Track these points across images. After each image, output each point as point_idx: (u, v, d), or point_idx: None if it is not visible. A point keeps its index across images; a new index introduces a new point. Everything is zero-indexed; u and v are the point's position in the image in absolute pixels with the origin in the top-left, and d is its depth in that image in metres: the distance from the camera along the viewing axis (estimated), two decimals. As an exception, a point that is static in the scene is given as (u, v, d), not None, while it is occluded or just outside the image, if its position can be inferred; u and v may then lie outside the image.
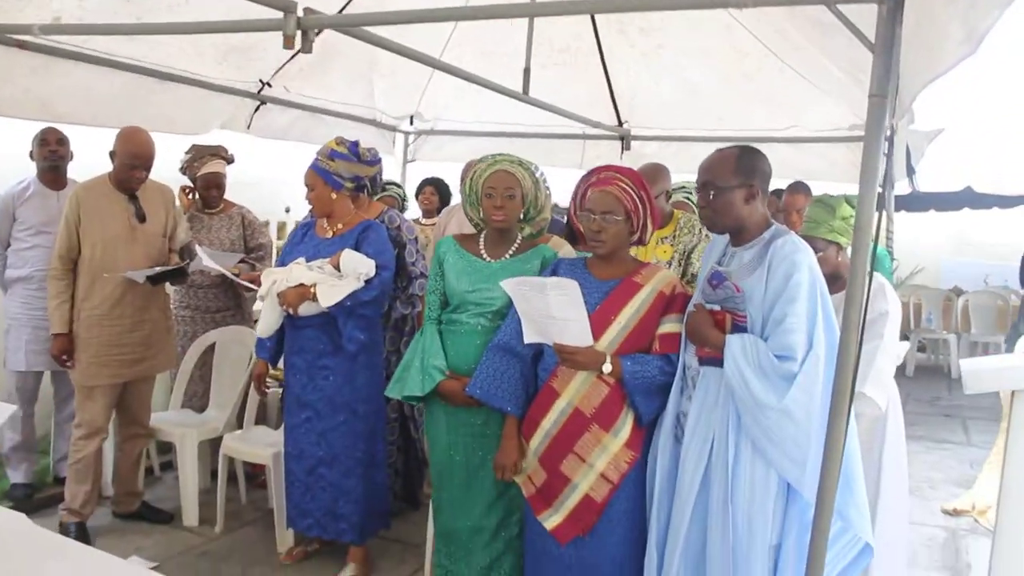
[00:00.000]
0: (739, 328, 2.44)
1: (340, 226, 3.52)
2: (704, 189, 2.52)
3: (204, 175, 4.51)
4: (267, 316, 3.43)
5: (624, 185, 2.67)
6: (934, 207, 10.25)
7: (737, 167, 2.47)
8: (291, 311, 3.37)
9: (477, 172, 3.04)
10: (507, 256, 3.07)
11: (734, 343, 2.38)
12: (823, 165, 5.56)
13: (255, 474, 4.54)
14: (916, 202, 9.40)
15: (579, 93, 5.75)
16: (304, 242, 3.60)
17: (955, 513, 4.79)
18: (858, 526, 2.39)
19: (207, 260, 3.85)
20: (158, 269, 3.80)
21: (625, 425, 2.64)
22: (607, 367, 2.60)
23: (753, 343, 2.36)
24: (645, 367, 2.62)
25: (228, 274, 3.87)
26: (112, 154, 3.78)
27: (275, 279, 3.36)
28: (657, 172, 3.49)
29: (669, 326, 2.68)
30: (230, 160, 4.67)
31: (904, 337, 9.33)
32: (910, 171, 4.83)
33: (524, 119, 5.99)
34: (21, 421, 4.18)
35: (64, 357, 3.77)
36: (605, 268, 2.75)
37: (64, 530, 3.83)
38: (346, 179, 3.48)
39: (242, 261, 4.53)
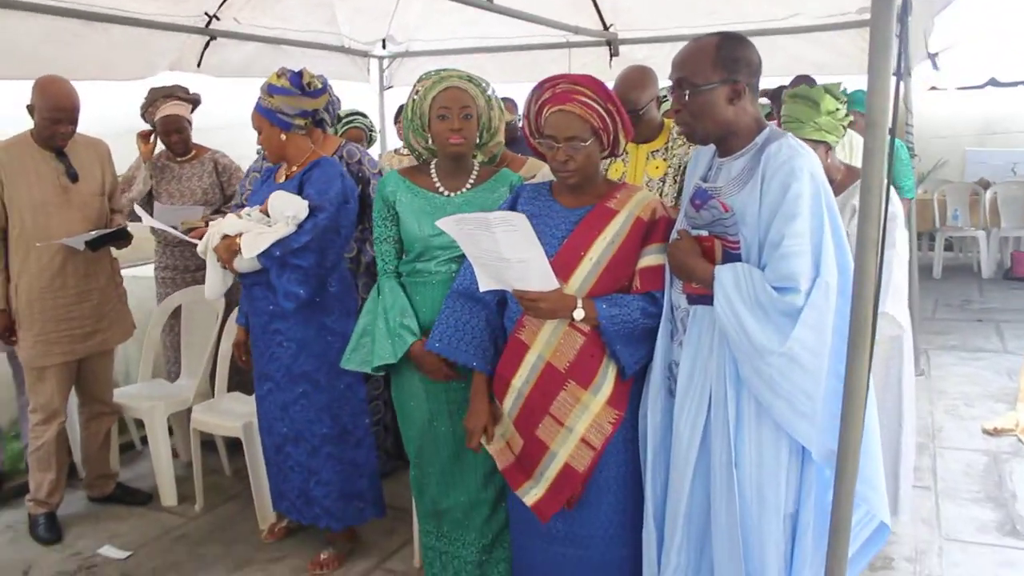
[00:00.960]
0: (732, 257, 2.02)
1: (294, 168, 3.11)
2: (679, 88, 2.06)
3: (161, 119, 4.04)
4: (210, 276, 3.05)
5: (585, 100, 2.23)
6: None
7: (717, 59, 2.01)
8: (228, 267, 3.00)
9: (422, 92, 2.61)
10: (467, 187, 2.66)
11: (725, 275, 1.97)
12: (830, 56, 5.07)
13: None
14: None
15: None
16: (261, 189, 3.20)
17: (996, 433, 4.31)
18: (873, 503, 2.02)
19: (148, 219, 3.46)
20: (95, 233, 3.40)
21: (606, 380, 2.24)
22: (578, 313, 2.18)
23: (747, 274, 1.95)
24: (625, 309, 2.20)
25: (176, 233, 3.48)
26: (30, 108, 3.37)
27: (210, 232, 2.98)
28: (643, 77, 3.02)
29: (651, 258, 2.25)
30: (193, 101, 4.17)
31: (930, 236, 8.87)
32: (931, 56, 4.31)
33: (503, 31, 5.56)
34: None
35: (8, 334, 3.45)
36: (573, 194, 2.33)
37: (33, 523, 3.56)
38: (292, 116, 3.05)
39: (217, 211, 4.12)
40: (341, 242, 3.04)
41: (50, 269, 3.39)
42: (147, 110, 4.11)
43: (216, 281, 3.06)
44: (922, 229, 8.36)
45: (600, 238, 2.25)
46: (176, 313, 4.12)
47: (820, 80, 4.56)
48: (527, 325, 2.29)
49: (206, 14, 4.71)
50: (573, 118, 2.21)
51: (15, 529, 3.65)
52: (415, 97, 2.63)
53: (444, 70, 2.64)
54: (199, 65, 4.87)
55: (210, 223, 3.09)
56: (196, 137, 4.24)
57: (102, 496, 3.84)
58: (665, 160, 3.05)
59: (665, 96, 3.23)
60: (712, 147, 2.18)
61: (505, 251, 2.08)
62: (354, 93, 5.71)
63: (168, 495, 3.81)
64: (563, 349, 2.25)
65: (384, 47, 6.19)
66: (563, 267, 2.22)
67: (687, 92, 2.04)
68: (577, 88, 2.25)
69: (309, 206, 2.92)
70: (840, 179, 2.95)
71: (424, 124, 2.63)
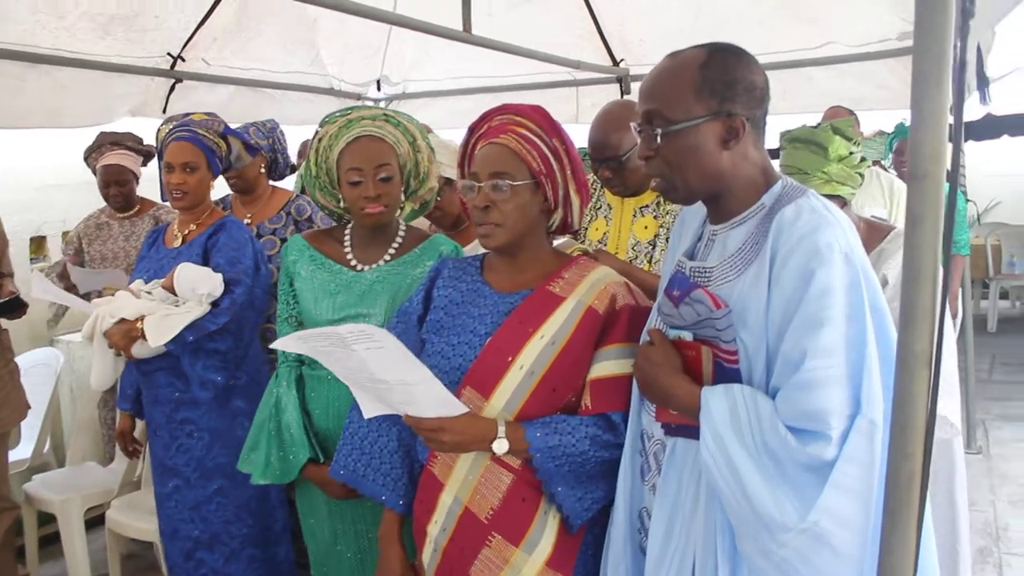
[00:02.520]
0: (727, 374, 1.41)
1: (193, 227, 2.65)
2: (647, 124, 1.47)
3: (102, 168, 3.60)
4: (98, 363, 2.56)
5: (524, 132, 1.69)
6: (1007, 132, 8.89)
7: (703, 82, 1.42)
8: (125, 354, 2.51)
9: (326, 142, 2.10)
10: (385, 260, 2.15)
11: (716, 405, 1.37)
12: (868, 89, 4.47)
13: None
14: (987, 129, 8.08)
15: (558, 32, 4.80)
16: (149, 256, 2.73)
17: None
18: None
19: (39, 288, 2.98)
20: None
21: (544, 533, 1.65)
22: (500, 445, 1.60)
23: (751, 404, 1.35)
24: (568, 438, 1.61)
25: (71, 303, 2.98)
26: None
27: (99, 313, 2.49)
28: (625, 114, 2.45)
29: (607, 365, 1.67)
30: (144, 153, 3.75)
31: (983, 284, 8.11)
32: (982, 83, 3.66)
33: (506, 69, 5.07)
34: None
35: None
36: (507, 272, 1.77)
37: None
38: (225, 165, 2.64)
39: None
40: (256, 317, 2.56)
41: None
42: (90, 155, 3.69)
43: (106, 370, 2.58)
44: (974, 277, 7.60)
45: (536, 337, 1.66)
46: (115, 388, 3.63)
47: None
48: (440, 456, 1.72)
49: (169, 55, 4.30)
50: (504, 152, 1.68)
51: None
52: (317, 146, 2.12)
53: (351, 110, 2.13)
54: (164, 110, 4.45)
55: (94, 301, 2.60)
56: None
57: (9, 605, 3.33)
58: (656, 219, 2.50)
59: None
60: (700, 208, 1.59)
61: (379, 372, 1.52)
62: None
63: (84, 602, 3.30)
64: (484, 491, 1.66)
65: (379, 89, 5.76)
66: (485, 376, 1.66)
67: (659, 131, 1.44)
68: (516, 119, 1.72)
69: (223, 280, 2.43)
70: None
71: (332, 182, 2.12)
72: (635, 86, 5.15)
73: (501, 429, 1.61)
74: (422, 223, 2.65)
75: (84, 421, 3.65)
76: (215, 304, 2.44)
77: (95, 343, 2.52)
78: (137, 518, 3.11)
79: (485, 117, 1.78)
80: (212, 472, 2.57)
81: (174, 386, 2.55)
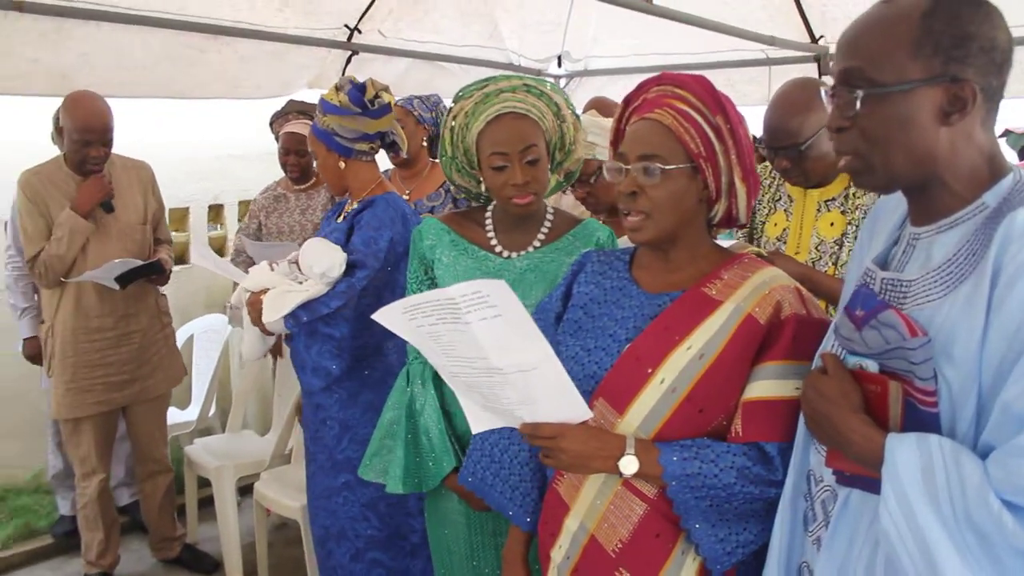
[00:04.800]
0: (922, 419, 1.09)
1: (355, 205, 2.52)
2: (845, 87, 1.15)
3: (284, 135, 3.63)
4: (247, 334, 2.51)
5: (683, 106, 1.42)
6: None
7: (925, 34, 1.10)
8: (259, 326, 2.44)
9: (462, 119, 1.89)
10: (534, 246, 1.94)
11: (906, 458, 1.05)
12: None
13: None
14: None
15: (752, 3, 4.40)
16: (323, 228, 2.65)
17: None
18: None
19: (196, 255, 2.99)
20: (119, 263, 2.97)
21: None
22: (629, 464, 1.36)
23: (952, 463, 1.03)
24: (711, 466, 1.35)
25: (229, 275, 2.99)
26: (60, 130, 3.03)
27: (244, 284, 2.44)
28: (807, 95, 2.11)
29: (765, 386, 1.38)
30: None
31: None
32: None
33: (693, 45, 4.74)
34: (60, 446, 3.62)
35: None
36: (658, 270, 1.52)
37: (85, 584, 3.22)
38: (352, 140, 2.48)
39: None
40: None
41: (83, 308, 3.03)
42: (275, 121, 3.72)
43: (254, 341, 2.51)
44: None
45: (682, 347, 1.40)
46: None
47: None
48: (567, 474, 1.49)
49: (346, 26, 4.28)
50: (657, 129, 1.42)
51: (76, 582, 3.33)
52: (453, 125, 1.91)
53: (487, 81, 1.90)
54: (343, 82, 4.46)
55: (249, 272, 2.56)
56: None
57: (167, 559, 3.44)
58: (844, 214, 2.16)
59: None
60: (900, 200, 1.26)
61: (493, 355, 1.28)
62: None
63: (233, 567, 3.33)
64: (613, 520, 1.43)
65: (560, 65, 5.55)
66: (620, 389, 1.42)
67: (859, 95, 1.13)
68: (675, 91, 1.45)
69: (348, 261, 2.30)
70: None
71: (472, 163, 1.92)
72: (836, 65, 4.68)
73: (630, 446, 1.37)
74: (573, 208, 2.43)
75: (245, 390, 3.70)
76: (334, 286, 2.31)
77: (243, 313, 2.48)
78: (282, 493, 3.09)
79: (641, 88, 1.52)
80: (341, 465, 2.45)
81: None
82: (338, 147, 2.42)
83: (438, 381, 1.97)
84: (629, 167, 1.43)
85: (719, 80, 4.82)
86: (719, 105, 1.44)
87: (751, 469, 1.36)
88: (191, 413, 3.83)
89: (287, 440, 3.29)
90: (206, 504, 3.67)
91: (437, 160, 3.19)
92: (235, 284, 3.58)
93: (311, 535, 2.64)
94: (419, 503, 2.45)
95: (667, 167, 1.40)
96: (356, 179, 2.48)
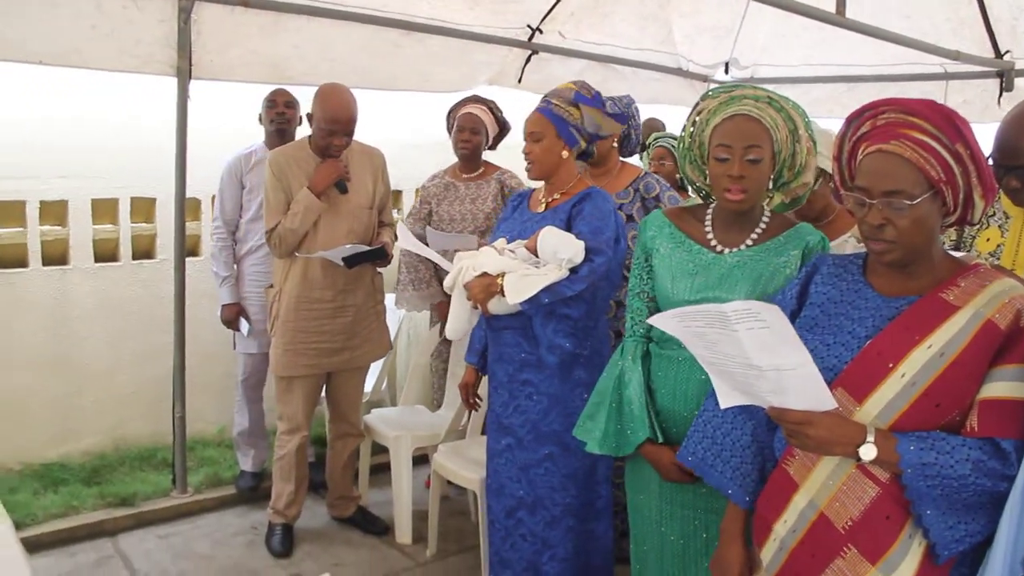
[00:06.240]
0: None
1: (557, 196, 2.66)
2: None
3: (460, 116, 3.79)
4: (455, 313, 2.67)
5: (920, 137, 1.48)
6: None
7: None
8: (479, 308, 2.61)
9: (704, 115, 2.01)
10: (747, 244, 2.02)
11: None
12: None
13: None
14: None
15: (935, 15, 4.32)
16: (512, 217, 2.80)
17: None
18: None
19: (403, 240, 3.18)
20: (349, 248, 3.20)
21: (906, 558, 1.47)
22: (867, 451, 1.46)
23: None
24: (946, 458, 1.43)
25: (433, 257, 3.16)
26: (309, 116, 3.27)
27: (462, 266, 2.61)
28: None
29: (1003, 387, 1.45)
30: (501, 123, 3.91)
31: None
32: None
33: (864, 57, 4.69)
34: (248, 406, 3.90)
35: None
36: (894, 276, 1.59)
37: (270, 531, 3.48)
38: (585, 135, 2.62)
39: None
40: (609, 290, 2.56)
41: (309, 280, 3.27)
42: (453, 110, 3.90)
43: (461, 320, 2.68)
44: None
45: (923, 345, 1.48)
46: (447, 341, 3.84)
47: None
48: (798, 455, 1.60)
49: (528, 27, 4.45)
50: (898, 163, 1.48)
51: (256, 533, 3.60)
52: (696, 119, 2.04)
53: (736, 86, 2.01)
54: (520, 80, 4.63)
55: (458, 254, 2.72)
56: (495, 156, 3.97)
57: (341, 517, 3.67)
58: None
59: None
60: None
61: (754, 356, 1.42)
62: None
63: (403, 532, 3.54)
64: (845, 499, 1.52)
65: (727, 71, 5.57)
66: (860, 381, 1.51)
67: None
68: (909, 119, 1.51)
69: (585, 248, 2.46)
70: None
71: (703, 156, 2.03)
72: (1020, 82, 4.52)
73: (870, 435, 1.46)
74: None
75: (418, 367, 3.90)
76: (573, 271, 2.46)
77: (455, 294, 2.65)
78: (461, 466, 3.25)
79: (868, 112, 1.58)
80: (545, 437, 2.60)
81: (521, 346, 2.61)
82: (569, 137, 2.59)
83: (647, 360, 2.12)
84: (874, 202, 1.50)
85: (892, 92, 4.77)
86: (957, 132, 1.49)
87: (986, 463, 1.42)
88: (366, 385, 4.06)
89: (463, 415, 3.46)
90: (373, 471, 3.91)
91: (627, 160, 3.30)
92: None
93: (492, 506, 2.78)
94: (606, 471, 2.67)
95: (912, 201, 1.47)
96: (567, 170, 2.63)
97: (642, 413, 2.06)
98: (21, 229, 3.98)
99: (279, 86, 3.80)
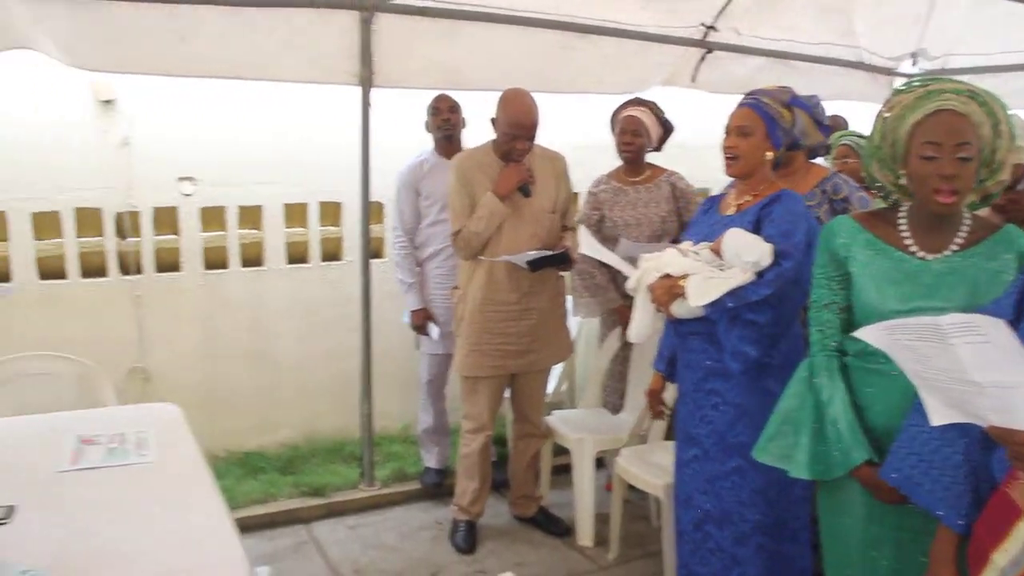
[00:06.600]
0: None
1: (748, 198, 2.58)
2: None
3: (621, 118, 3.76)
4: (639, 315, 2.66)
5: None
6: None
7: None
8: (662, 310, 2.58)
9: (899, 110, 1.90)
10: (952, 249, 1.91)
11: None
12: None
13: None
14: None
15: None
16: (701, 220, 2.75)
17: None
18: None
19: (586, 245, 3.18)
20: (534, 254, 3.25)
21: None
22: None
23: None
24: None
25: (614, 262, 3.14)
26: (493, 121, 3.33)
27: (646, 268, 2.59)
28: None
29: None
30: (664, 124, 3.86)
31: None
32: None
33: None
34: (432, 405, 4.02)
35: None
36: None
37: (453, 528, 3.59)
38: (788, 140, 2.58)
39: (676, 242, 3.72)
40: (800, 296, 2.44)
41: (494, 282, 3.33)
42: (616, 113, 3.88)
43: (645, 323, 2.67)
44: None
45: None
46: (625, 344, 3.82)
47: None
48: (1021, 479, 1.49)
49: (702, 24, 4.37)
50: None
51: (440, 528, 3.71)
52: (886, 115, 1.93)
53: (931, 80, 1.91)
54: (693, 80, 4.56)
55: (643, 257, 2.70)
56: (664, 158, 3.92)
57: (523, 516, 3.73)
58: None
59: None
60: None
61: (974, 372, 1.35)
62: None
63: (585, 534, 3.56)
64: None
65: (914, 63, 5.27)
66: None
67: None
68: None
69: (773, 251, 2.39)
70: None
71: (897, 156, 1.92)
72: None
73: None
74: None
75: (597, 370, 3.90)
76: (760, 274, 2.39)
77: (638, 296, 2.64)
78: (645, 470, 3.23)
79: None
80: (732, 449, 2.53)
81: (707, 353, 2.56)
82: (776, 139, 2.53)
83: (845, 374, 2.02)
84: None
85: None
86: None
87: None
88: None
89: (646, 420, 3.43)
90: (554, 473, 3.95)
91: (814, 160, 3.18)
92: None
93: (681, 517, 2.74)
94: (803, 491, 2.53)
95: None
96: (765, 172, 2.55)
97: (854, 433, 1.95)
98: (222, 233, 4.29)
99: (442, 91, 3.89)
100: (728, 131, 2.54)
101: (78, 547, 1.83)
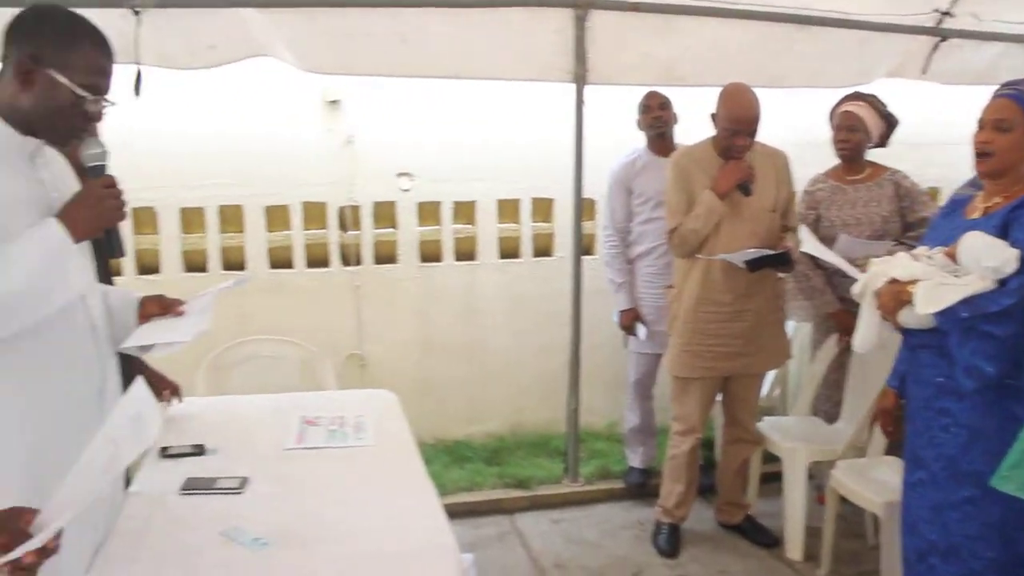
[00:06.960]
0: None
1: (999, 200, 2.34)
2: None
3: (839, 114, 3.59)
4: (864, 323, 2.49)
5: None
6: None
7: None
8: (888, 319, 2.41)
9: None
10: None
11: None
12: None
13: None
14: None
15: None
16: (941, 224, 2.53)
17: None
18: None
19: (808, 244, 3.02)
20: (753, 252, 3.14)
21: None
22: None
23: None
24: None
25: (839, 263, 2.96)
26: (713, 116, 3.25)
27: (874, 272, 2.43)
28: None
29: None
30: (886, 118, 3.64)
31: None
32: None
33: None
34: (639, 404, 4.00)
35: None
36: None
37: (656, 529, 3.56)
38: None
39: (898, 243, 3.50)
40: None
41: (710, 281, 3.27)
42: (835, 108, 3.69)
43: (870, 331, 2.49)
44: None
45: None
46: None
47: None
48: None
49: (936, 11, 4.06)
50: None
51: (643, 528, 3.69)
52: None
53: None
54: (924, 71, 4.26)
55: (872, 261, 2.54)
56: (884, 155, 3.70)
57: (729, 524, 3.65)
58: None
59: None
60: None
61: None
62: None
63: (794, 547, 3.42)
64: None
65: None
66: None
67: None
68: None
69: (1019, 257, 2.17)
70: None
71: None
72: None
73: None
74: None
75: (812, 376, 3.73)
76: (1003, 283, 2.17)
77: (864, 302, 2.48)
78: (863, 486, 3.07)
79: None
80: (964, 477, 2.28)
81: (938, 368, 2.35)
82: None
83: None
84: None
85: None
86: None
87: None
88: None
89: (865, 433, 3.26)
90: (763, 480, 3.83)
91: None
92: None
93: (906, 544, 2.56)
94: None
95: None
96: (1020, 171, 2.30)
97: None
98: (437, 227, 4.47)
99: (653, 87, 3.85)
100: (982, 124, 2.30)
101: (300, 522, 1.95)
